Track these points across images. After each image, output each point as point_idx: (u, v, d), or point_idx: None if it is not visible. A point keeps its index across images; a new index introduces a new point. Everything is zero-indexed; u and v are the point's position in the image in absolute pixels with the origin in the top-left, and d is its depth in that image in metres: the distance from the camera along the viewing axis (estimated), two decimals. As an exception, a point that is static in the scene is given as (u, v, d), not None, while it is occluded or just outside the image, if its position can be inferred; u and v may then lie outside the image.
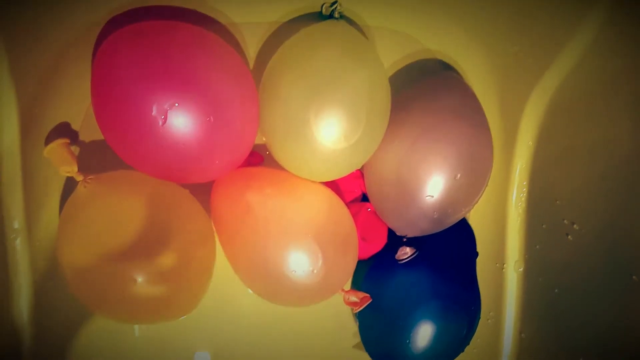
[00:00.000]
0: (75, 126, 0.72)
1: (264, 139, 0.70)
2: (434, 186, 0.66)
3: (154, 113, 0.54)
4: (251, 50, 0.75)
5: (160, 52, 0.55)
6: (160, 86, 0.54)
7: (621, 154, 0.68)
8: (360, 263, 0.77)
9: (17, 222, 0.69)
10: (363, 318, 0.77)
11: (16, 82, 0.65)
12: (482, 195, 0.71)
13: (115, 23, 0.69)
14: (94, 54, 0.69)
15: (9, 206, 0.69)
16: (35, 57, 0.66)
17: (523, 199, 0.81)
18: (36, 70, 0.67)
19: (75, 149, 0.72)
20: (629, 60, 0.66)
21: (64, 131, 0.71)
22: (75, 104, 0.71)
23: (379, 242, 0.78)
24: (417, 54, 0.79)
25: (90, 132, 0.73)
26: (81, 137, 0.72)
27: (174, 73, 0.55)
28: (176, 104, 0.55)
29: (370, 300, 0.71)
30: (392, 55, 0.79)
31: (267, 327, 0.82)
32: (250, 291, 0.71)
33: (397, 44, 0.79)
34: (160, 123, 0.55)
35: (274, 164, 0.71)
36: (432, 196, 0.67)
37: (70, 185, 0.73)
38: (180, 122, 0.56)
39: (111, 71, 0.56)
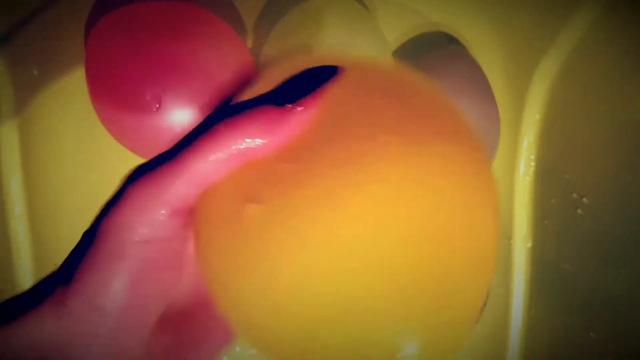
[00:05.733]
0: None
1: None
2: (440, 163, 0.65)
3: (148, 98, 0.53)
4: (248, 28, 0.74)
5: (152, 34, 0.54)
6: (153, 69, 0.53)
7: (631, 125, 0.66)
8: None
9: (18, 208, 0.69)
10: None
11: (12, 71, 0.64)
12: (488, 170, 0.70)
13: (105, 4, 0.67)
14: (86, 39, 0.68)
15: (9, 192, 0.69)
16: (31, 40, 0.65)
17: (531, 173, 0.80)
18: (32, 54, 0.66)
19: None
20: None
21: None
22: (72, 89, 0.70)
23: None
24: (421, 27, 0.77)
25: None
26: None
27: (168, 55, 0.53)
28: (171, 88, 0.53)
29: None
30: (395, 29, 0.77)
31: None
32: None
33: (400, 17, 0.77)
34: (154, 109, 0.54)
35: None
36: (438, 173, 0.65)
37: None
38: (176, 106, 0.54)
39: (104, 56, 0.54)
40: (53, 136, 0.72)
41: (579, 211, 0.73)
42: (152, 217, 0.25)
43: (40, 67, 0.68)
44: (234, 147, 0.25)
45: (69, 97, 0.70)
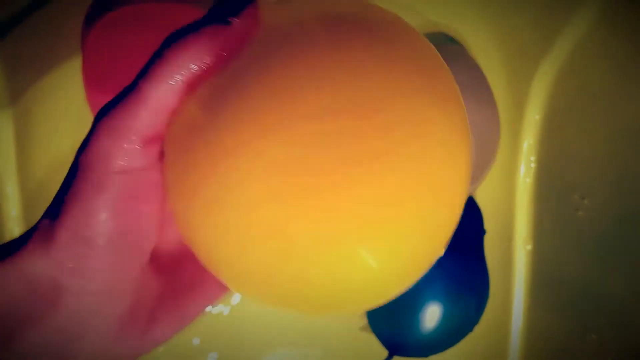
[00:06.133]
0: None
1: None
2: (441, 164, 0.65)
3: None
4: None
5: (156, 37, 0.53)
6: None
7: (631, 126, 0.66)
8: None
9: (14, 210, 0.68)
10: (370, 299, 0.76)
11: (7, 74, 0.64)
12: (489, 172, 0.70)
13: (104, 4, 0.67)
14: (83, 39, 0.67)
15: (5, 193, 0.68)
16: (27, 46, 0.65)
17: (531, 175, 0.80)
18: (29, 60, 0.65)
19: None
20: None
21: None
22: (71, 89, 0.70)
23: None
24: (420, 27, 0.77)
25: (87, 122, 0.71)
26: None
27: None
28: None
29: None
30: (394, 30, 0.76)
31: (269, 307, 0.81)
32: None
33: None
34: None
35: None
36: (439, 175, 0.65)
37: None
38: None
39: (102, 58, 0.54)
40: (49, 139, 0.71)
41: (579, 212, 0.73)
42: (126, 147, 0.26)
43: (37, 67, 0.67)
44: (185, 70, 0.26)
45: (67, 97, 0.69)
